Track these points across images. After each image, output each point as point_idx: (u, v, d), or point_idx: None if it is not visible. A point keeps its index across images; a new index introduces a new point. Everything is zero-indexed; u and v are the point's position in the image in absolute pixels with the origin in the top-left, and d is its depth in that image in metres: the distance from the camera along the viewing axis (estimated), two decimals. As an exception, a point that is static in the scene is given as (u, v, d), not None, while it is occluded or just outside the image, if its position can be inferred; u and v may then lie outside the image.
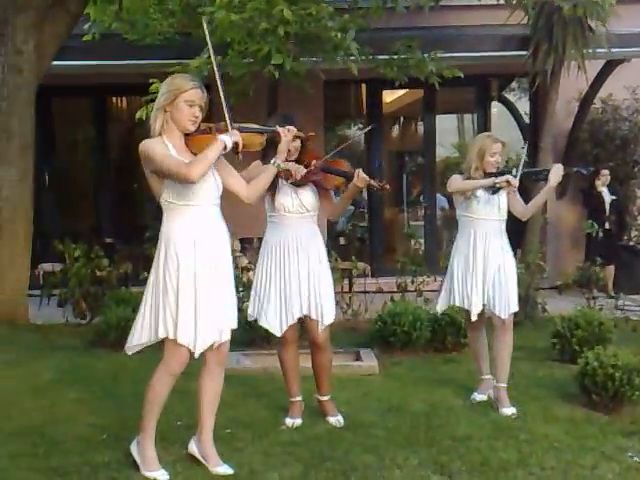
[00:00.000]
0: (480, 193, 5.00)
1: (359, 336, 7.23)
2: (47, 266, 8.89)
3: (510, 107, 12.10)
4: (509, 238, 5.07)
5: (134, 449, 3.89)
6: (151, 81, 6.91)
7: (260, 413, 4.90)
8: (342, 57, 7.06)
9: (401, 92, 11.96)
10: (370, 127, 4.77)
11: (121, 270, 8.12)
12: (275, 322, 4.59)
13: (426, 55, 7.76)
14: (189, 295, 3.69)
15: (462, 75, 7.94)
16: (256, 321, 4.70)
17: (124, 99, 11.98)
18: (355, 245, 11.04)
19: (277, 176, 4.45)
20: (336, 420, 4.69)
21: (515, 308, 4.99)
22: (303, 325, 4.78)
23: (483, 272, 4.99)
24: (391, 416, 4.84)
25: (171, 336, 3.70)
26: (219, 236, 3.85)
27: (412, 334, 6.54)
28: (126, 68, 9.30)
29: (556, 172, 4.93)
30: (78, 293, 7.65)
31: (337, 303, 7.87)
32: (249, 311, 4.72)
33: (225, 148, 3.71)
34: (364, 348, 6.60)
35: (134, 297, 7.56)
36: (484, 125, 11.60)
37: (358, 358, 6.34)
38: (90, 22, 9.04)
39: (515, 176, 4.90)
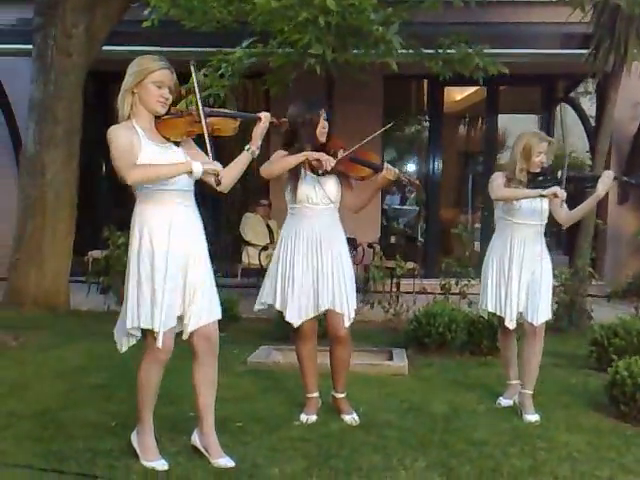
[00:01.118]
0: None
1: (398, 336, 7.13)
2: (96, 253, 8.88)
3: (577, 109, 11.75)
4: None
5: (134, 439, 3.88)
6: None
7: (277, 408, 4.85)
8: (382, 51, 6.89)
9: (464, 90, 11.82)
10: (391, 124, 4.62)
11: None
12: (295, 313, 4.51)
13: (471, 50, 7.52)
14: (162, 281, 3.60)
15: (507, 72, 7.69)
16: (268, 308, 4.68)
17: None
18: (401, 244, 10.98)
19: (301, 166, 4.42)
20: (351, 418, 4.62)
21: (548, 316, 4.83)
22: (321, 321, 4.72)
23: (518, 278, 4.83)
24: (409, 417, 4.74)
25: (147, 325, 3.63)
26: (193, 222, 3.75)
27: (447, 336, 6.42)
28: (180, 55, 9.26)
29: (605, 180, 4.64)
30: (119, 280, 7.71)
31: (379, 302, 8.02)
32: (264, 300, 4.63)
33: (190, 173, 3.60)
34: (399, 348, 6.50)
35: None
36: (548, 127, 11.31)
37: (390, 358, 6.25)
38: (150, 8, 9.08)
39: (560, 184, 4.63)
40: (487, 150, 11.29)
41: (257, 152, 3.86)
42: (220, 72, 7.18)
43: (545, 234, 4.94)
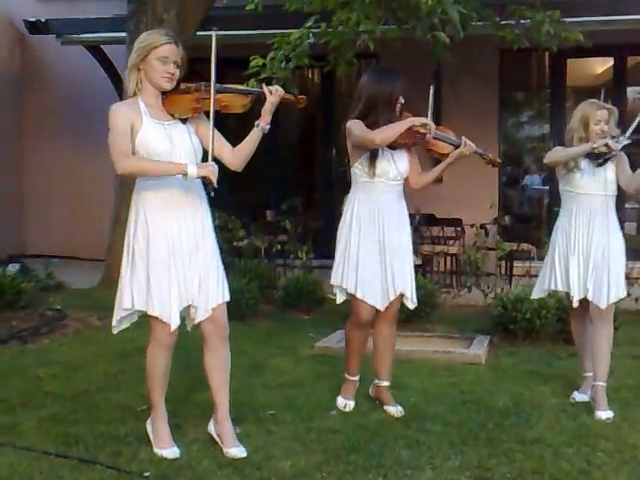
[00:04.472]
0: (584, 165, 4.38)
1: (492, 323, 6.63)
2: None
3: None
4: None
5: (149, 425, 3.72)
6: (252, 57, 6.73)
7: (321, 396, 4.55)
8: (437, 24, 6.43)
9: (589, 61, 10.99)
10: (431, 91, 4.26)
11: (258, 243, 8.03)
12: (377, 297, 4.20)
13: (547, 18, 6.93)
14: (161, 264, 3.44)
15: (582, 39, 7.05)
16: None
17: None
18: (522, 225, 10.38)
19: (412, 133, 4.10)
20: (396, 410, 4.24)
21: (617, 297, 4.31)
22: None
23: (585, 254, 4.36)
24: (462, 410, 4.32)
25: (143, 307, 3.48)
26: (195, 202, 3.56)
27: (535, 322, 5.87)
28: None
29: None
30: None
31: (479, 285, 7.55)
32: (338, 282, 4.27)
33: (185, 175, 3.39)
34: (484, 335, 6.04)
35: (262, 269, 7.51)
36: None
37: (471, 345, 5.80)
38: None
39: (618, 141, 4.22)
40: (617, 125, 10.43)
41: (267, 128, 3.63)
42: (281, 54, 6.92)
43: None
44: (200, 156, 3.59)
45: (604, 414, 4.20)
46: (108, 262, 8.22)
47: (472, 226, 8.56)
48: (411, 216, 9.28)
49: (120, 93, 9.91)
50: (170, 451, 3.59)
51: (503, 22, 7.31)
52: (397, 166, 4.22)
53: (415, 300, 4.32)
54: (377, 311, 4.25)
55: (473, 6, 6.76)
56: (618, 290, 4.30)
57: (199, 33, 8.15)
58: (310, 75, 10.74)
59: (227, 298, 3.62)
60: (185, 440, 3.75)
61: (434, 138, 4.16)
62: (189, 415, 4.09)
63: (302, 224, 8.44)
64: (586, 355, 4.58)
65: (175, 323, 3.49)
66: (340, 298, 4.31)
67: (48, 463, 3.47)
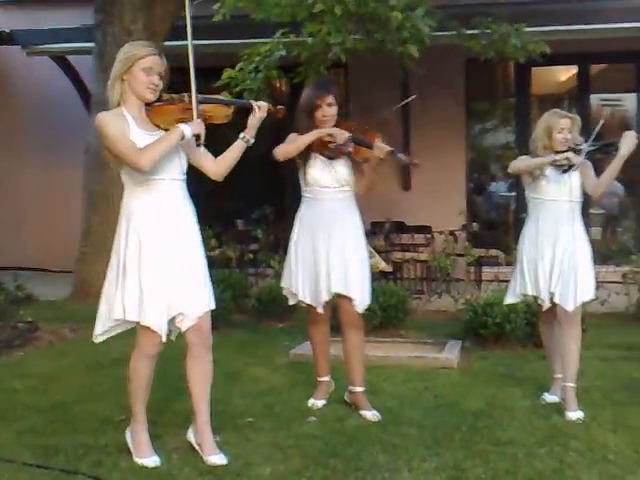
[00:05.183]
0: (549, 172, 4.50)
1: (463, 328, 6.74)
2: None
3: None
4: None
5: (128, 435, 3.74)
6: (224, 70, 6.80)
7: (298, 402, 4.60)
8: (406, 37, 6.55)
9: (553, 69, 11.18)
10: (411, 98, 4.35)
11: (229, 253, 8.08)
12: (313, 298, 4.40)
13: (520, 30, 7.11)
14: (151, 274, 3.47)
15: (547, 51, 7.26)
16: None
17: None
18: (490, 231, 10.54)
19: (312, 148, 4.28)
20: (372, 414, 4.32)
21: (581, 300, 4.41)
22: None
23: (552, 259, 4.48)
24: (437, 414, 4.40)
25: (135, 318, 3.49)
26: (183, 212, 3.61)
27: (505, 327, 5.99)
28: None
29: (627, 140, 4.31)
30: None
31: (449, 292, 7.67)
32: (284, 284, 4.55)
33: (183, 138, 3.47)
34: (455, 340, 6.14)
35: (234, 279, 7.53)
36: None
37: (443, 350, 5.89)
38: (220, 2, 8.98)
39: (580, 152, 4.34)
40: (580, 132, 10.60)
41: (252, 141, 3.74)
42: (253, 66, 7.00)
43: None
44: (186, 165, 3.64)
45: (574, 414, 4.31)
46: (78, 273, 8.20)
47: (441, 233, 8.70)
48: (381, 224, 9.46)
49: (87, 104, 9.92)
50: (150, 460, 3.61)
51: (469, 32, 7.43)
52: (335, 173, 4.34)
53: (364, 304, 4.36)
54: (338, 316, 4.43)
55: (440, 19, 6.88)
56: (584, 293, 4.41)
57: (167, 43, 8.20)
58: (279, 85, 10.82)
59: (212, 306, 3.67)
60: (165, 449, 3.76)
61: (357, 144, 4.26)
62: (168, 424, 4.11)
63: (273, 233, 8.51)
64: (555, 357, 4.69)
65: (165, 333, 3.52)
66: (292, 300, 4.56)
67: (29, 475, 3.47)
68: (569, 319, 4.41)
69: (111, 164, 3.64)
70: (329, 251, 4.31)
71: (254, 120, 3.71)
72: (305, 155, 4.32)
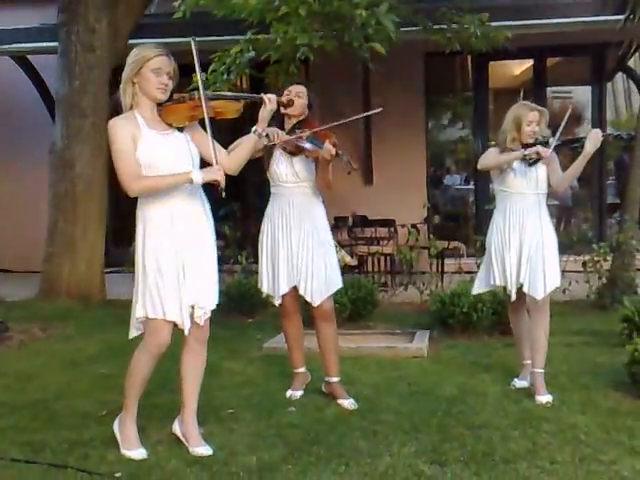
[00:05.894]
0: (516, 165, 4.64)
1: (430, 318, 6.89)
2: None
3: (636, 79, 11.20)
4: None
5: (116, 427, 3.80)
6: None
7: (276, 394, 4.69)
8: (371, 34, 6.66)
9: (510, 63, 11.40)
10: (378, 110, 4.44)
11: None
12: (271, 288, 4.57)
13: (477, 21, 7.27)
14: (169, 272, 3.59)
15: (510, 36, 7.49)
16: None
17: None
18: (451, 224, 10.72)
19: (272, 146, 4.39)
20: (349, 403, 4.44)
21: (549, 289, 4.57)
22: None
23: (519, 249, 4.63)
24: (412, 401, 4.53)
25: (159, 315, 3.60)
26: (197, 211, 3.71)
27: (472, 316, 6.15)
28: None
29: (592, 138, 4.45)
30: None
31: (414, 283, 7.80)
32: (263, 288, 4.67)
33: (191, 182, 3.56)
34: (424, 330, 6.28)
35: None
36: (599, 98, 10.83)
37: (413, 340, 6.03)
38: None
39: (548, 145, 4.49)
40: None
41: (264, 134, 3.87)
42: (224, 67, 7.06)
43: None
44: (198, 162, 3.71)
45: (544, 398, 4.47)
46: (46, 273, 8.18)
47: (404, 226, 8.83)
48: (344, 218, 9.55)
49: (48, 105, 9.89)
50: (137, 452, 3.69)
51: (435, 27, 7.54)
52: (294, 169, 4.45)
53: (317, 298, 4.43)
54: (311, 308, 4.53)
55: (405, 13, 6.99)
56: (552, 281, 4.57)
57: (131, 41, 8.20)
58: (239, 83, 10.87)
59: (215, 304, 3.79)
60: (150, 441, 3.84)
61: (311, 143, 4.31)
62: (149, 417, 4.15)
63: (240, 229, 8.57)
64: (524, 344, 4.85)
65: (188, 327, 3.65)
66: (276, 301, 4.63)
67: (17, 470, 3.53)
68: (538, 307, 4.56)
69: None
70: (290, 244, 4.44)
71: (265, 113, 3.83)
72: (268, 150, 4.45)
